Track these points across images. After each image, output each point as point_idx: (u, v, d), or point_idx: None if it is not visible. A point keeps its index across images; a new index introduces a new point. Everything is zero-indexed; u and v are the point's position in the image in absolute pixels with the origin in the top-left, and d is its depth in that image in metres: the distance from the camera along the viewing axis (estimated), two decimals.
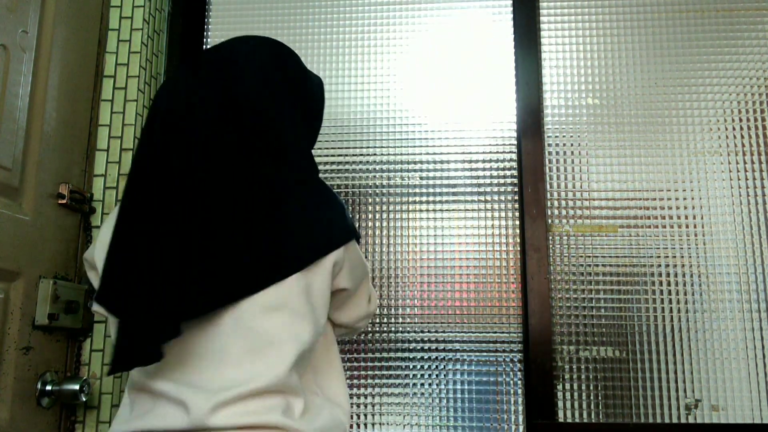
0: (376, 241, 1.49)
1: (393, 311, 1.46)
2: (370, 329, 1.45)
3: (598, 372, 1.40)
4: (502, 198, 1.50)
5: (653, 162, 1.49)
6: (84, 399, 1.20)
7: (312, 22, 1.62)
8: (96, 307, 0.77)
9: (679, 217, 1.45)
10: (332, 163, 1.55)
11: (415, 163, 1.53)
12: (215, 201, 0.76)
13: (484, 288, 1.46)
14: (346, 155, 1.55)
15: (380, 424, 1.41)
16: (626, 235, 1.46)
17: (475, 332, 1.44)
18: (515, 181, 1.50)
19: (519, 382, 1.41)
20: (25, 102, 1.16)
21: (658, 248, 1.44)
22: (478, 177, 1.51)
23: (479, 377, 1.42)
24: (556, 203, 1.48)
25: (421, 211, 1.50)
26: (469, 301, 1.45)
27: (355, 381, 1.43)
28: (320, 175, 0.88)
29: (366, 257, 1.49)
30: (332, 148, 1.56)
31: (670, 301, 1.42)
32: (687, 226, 1.45)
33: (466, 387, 1.42)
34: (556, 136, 1.52)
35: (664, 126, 1.50)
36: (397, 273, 1.47)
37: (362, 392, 1.43)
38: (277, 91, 0.85)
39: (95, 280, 0.86)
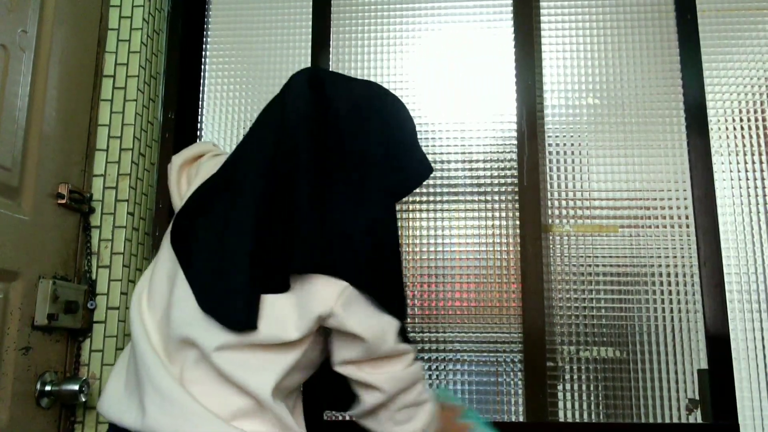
0: None
1: None
2: None
3: (598, 372, 1.40)
4: (502, 198, 1.49)
5: (654, 162, 1.48)
6: (83, 399, 1.20)
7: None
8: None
9: (679, 217, 1.45)
10: None
11: None
12: None
13: (484, 288, 1.45)
14: None
15: None
16: (627, 235, 1.45)
17: (476, 332, 1.44)
18: (515, 181, 1.49)
19: (519, 382, 1.41)
20: (24, 102, 1.16)
21: (659, 248, 1.44)
22: (478, 177, 1.51)
23: (480, 377, 1.42)
24: (556, 203, 1.48)
25: (421, 211, 1.50)
26: (469, 301, 1.45)
27: None
28: None
29: None
30: None
31: (671, 301, 1.42)
32: (688, 226, 1.45)
33: (466, 387, 1.42)
34: (556, 136, 1.52)
35: (664, 126, 1.50)
36: None
37: None
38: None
39: None
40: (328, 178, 0.86)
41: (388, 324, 0.85)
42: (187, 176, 1.08)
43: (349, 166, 0.88)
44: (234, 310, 0.81)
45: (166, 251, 0.93)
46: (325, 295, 0.80)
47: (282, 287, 0.82)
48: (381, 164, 0.90)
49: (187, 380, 0.81)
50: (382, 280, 0.85)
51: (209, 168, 1.01)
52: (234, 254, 0.84)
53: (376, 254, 0.85)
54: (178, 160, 1.09)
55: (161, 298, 0.89)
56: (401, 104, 0.99)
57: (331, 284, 0.81)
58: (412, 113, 1.53)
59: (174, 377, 0.81)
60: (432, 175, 1.51)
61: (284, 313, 0.81)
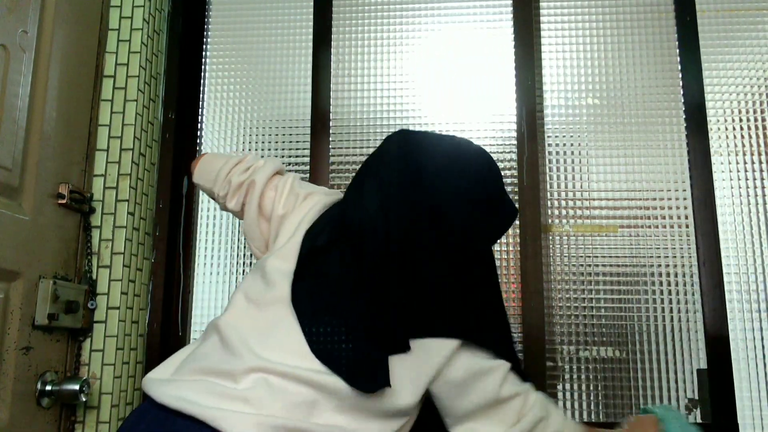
0: None
1: None
2: None
3: (598, 372, 1.40)
4: None
5: (653, 162, 1.48)
6: (84, 399, 1.21)
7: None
8: None
9: (679, 217, 1.45)
10: (335, 162, 1.55)
11: None
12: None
13: None
14: (347, 155, 1.55)
15: None
16: (626, 235, 1.46)
17: None
18: (515, 181, 1.50)
19: None
20: (24, 102, 1.16)
21: (659, 248, 1.44)
22: None
23: None
24: (556, 203, 1.48)
25: None
26: None
27: None
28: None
29: None
30: (335, 148, 1.56)
31: (670, 301, 1.42)
32: (687, 226, 1.45)
33: None
34: (556, 136, 1.52)
35: (664, 126, 1.50)
36: None
37: None
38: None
39: None
40: (433, 241, 0.86)
41: (497, 368, 0.84)
42: (276, 193, 1.00)
43: (446, 228, 0.87)
44: (365, 372, 0.79)
45: (280, 284, 0.87)
46: (438, 357, 0.81)
47: (402, 348, 0.81)
48: (477, 220, 0.90)
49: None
50: (490, 329, 0.86)
51: (312, 204, 0.98)
52: (354, 312, 0.83)
53: (482, 307, 0.86)
54: (262, 177, 1.01)
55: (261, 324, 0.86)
56: (487, 154, 0.98)
57: (444, 345, 0.82)
58: (412, 113, 1.56)
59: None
60: None
61: (400, 378, 0.80)
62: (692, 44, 1.52)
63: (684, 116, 1.50)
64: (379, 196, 0.89)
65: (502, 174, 1.48)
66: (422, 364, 0.81)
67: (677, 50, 1.53)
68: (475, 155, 0.96)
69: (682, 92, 1.51)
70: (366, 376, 0.78)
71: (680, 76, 1.52)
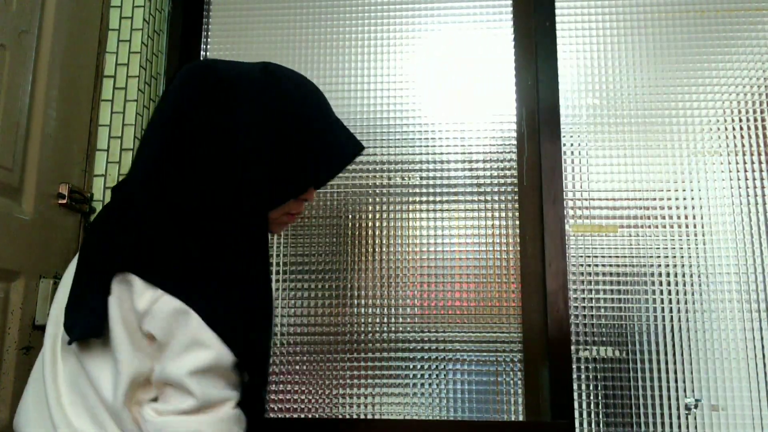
0: (376, 242, 1.49)
1: (393, 311, 1.46)
2: (370, 329, 1.45)
3: (598, 372, 1.40)
4: (502, 198, 1.50)
5: (653, 162, 1.49)
6: None
7: (313, 22, 1.62)
8: None
9: (679, 217, 1.45)
10: None
11: (415, 163, 1.53)
12: None
13: (484, 288, 1.46)
14: None
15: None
16: (626, 235, 1.46)
17: (476, 332, 1.44)
18: (515, 181, 1.50)
19: (519, 382, 1.41)
20: (24, 102, 1.17)
21: (659, 248, 1.44)
22: (478, 177, 1.51)
23: (479, 377, 1.42)
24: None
25: (421, 211, 1.50)
26: (469, 301, 1.45)
27: (354, 381, 1.43)
28: None
29: (366, 257, 1.49)
30: None
31: (670, 301, 1.42)
32: (687, 226, 1.45)
33: (466, 387, 1.42)
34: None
35: (664, 126, 1.50)
36: (397, 273, 1.47)
37: (362, 392, 1.43)
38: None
39: None
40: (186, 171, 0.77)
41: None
42: None
43: (211, 163, 0.78)
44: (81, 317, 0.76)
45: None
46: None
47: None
48: (255, 158, 0.78)
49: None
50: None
51: None
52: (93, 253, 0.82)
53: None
54: None
55: None
56: (287, 75, 0.85)
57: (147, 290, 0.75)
58: (412, 113, 1.56)
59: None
60: (432, 176, 1.52)
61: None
62: (692, 44, 1.52)
63: (684, 116, 1.50)
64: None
65: (502, 173, 1.51)
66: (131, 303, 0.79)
67: (677, 50, 1.53)
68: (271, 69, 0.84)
69: (682, 92, 1.51)
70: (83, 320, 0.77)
71: (680, 75, 1.51)
